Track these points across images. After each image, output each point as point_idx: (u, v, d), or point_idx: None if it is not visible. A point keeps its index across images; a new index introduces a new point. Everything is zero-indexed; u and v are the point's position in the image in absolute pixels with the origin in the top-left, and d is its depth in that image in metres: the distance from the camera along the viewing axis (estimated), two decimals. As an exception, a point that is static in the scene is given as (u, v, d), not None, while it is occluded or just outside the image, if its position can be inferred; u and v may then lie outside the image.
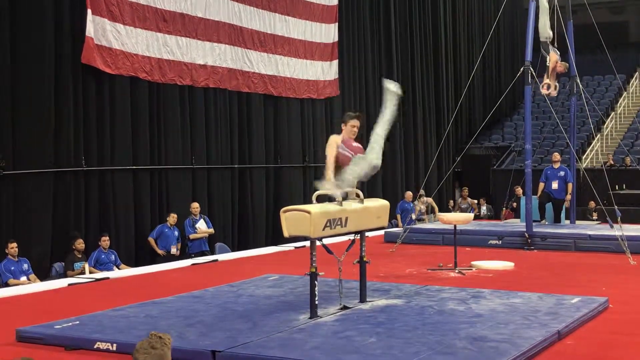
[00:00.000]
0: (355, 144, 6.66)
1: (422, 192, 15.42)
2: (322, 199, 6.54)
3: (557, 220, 13.47)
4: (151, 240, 11.83)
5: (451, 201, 19.68)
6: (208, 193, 13.36)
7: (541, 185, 13.24)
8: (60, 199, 10.81)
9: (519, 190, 16.17)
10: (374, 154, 6.54)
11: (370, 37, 18.11)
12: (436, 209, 16.82)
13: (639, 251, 10.47)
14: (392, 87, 6.98)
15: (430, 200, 16.63)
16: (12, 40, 10.26)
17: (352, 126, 6.75)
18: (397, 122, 18.76)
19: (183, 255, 11.89)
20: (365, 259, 6.86)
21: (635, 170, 19.34)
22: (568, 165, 13.60)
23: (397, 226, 15.27)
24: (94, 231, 11.06)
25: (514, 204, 16.65)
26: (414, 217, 15.31)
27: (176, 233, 11.98)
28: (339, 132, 6.82)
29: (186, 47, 12.81)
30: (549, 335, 5.66)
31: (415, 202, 16.04)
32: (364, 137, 6.95)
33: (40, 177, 10.56)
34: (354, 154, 6.54)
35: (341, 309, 6.53)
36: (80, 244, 10.40)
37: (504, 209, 16.80)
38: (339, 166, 6.56)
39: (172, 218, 11.92)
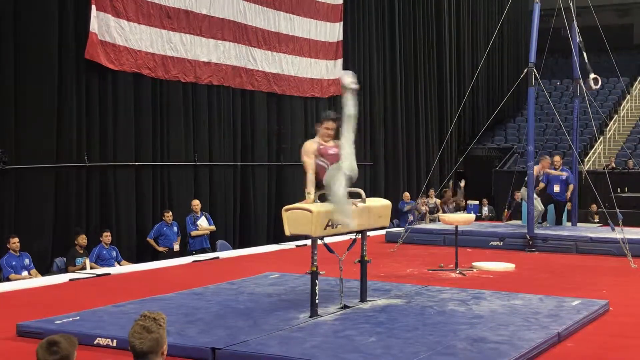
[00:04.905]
0: (332, 151, 6.38)
1: (430, 192, 15.50)
2: (324, 198, 6.53)
3: (558, 222, 13.47)
4: (150, 240, 11.83)
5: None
6: (210, 190, 13.36)
7: (541, 185, 13.21)
8: (62, 194, 10.82)
9: (518, 195, 16.18)
10: (347, 162, 6.17)
11: (375, 36, 18.10)
12: (439, 212, 16.84)
13: (640, 254, 10.47)
14: (347, 81, 6.42)
15: (438, 201, 16.71)
16: (16, 35, 10.26)
17: (325, 128, 6.46)
18: (399, 123, 18.79)
19: (184, 252, 11.89)
20: (366, 259, 6.86)
21: (638, 173, 19.33)
22: (570, 167, 13.58)
23: (398, 226, 15.30)
24: (96, 227, 11.07)
25: (506, 211, 16.55)
26: (411, 217, 15.43)
27: (175, 229, 11.98)
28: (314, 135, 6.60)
29: (190, 44, 12.81)
30: (549, 337, 5.67)
31: (418, 201, 16.11)
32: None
33: (43, 172, 10.57)
34: (329, 164, 6.26)
35: (341, 308, 6.53)
36: (83, 239, 10.42)
37: (506, 210, 16.79)
38: (316, 178, 6.32)
39: (168, 217, 11.89)
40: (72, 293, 8.04)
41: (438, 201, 16.80)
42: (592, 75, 12.72)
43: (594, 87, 12.82)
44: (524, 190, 12.42)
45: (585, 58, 12.89)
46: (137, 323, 3.14)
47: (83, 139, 11.12)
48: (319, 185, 6.31)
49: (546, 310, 6.55)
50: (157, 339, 3.11)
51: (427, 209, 16.47)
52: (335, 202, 6.03)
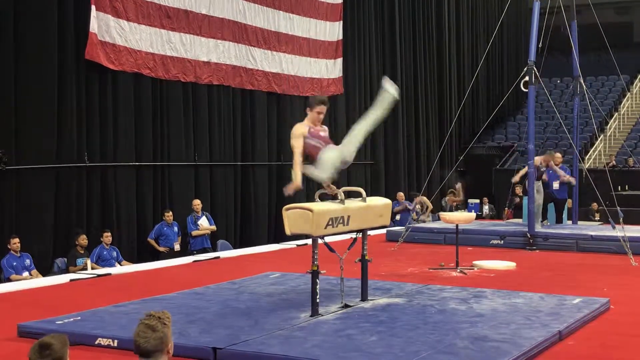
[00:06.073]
0: (323, 133, 6.38)
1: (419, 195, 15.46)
2: (325, 197, 6.53)
3: (559, 220, 13.45)
4: (151, 241, 11.82)
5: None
6: (211, 190, 13.36)
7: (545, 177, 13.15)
8: (62, 195, 10.82)
9: (519, 189, 16.18)
10: (349, 150, 6.25)
11: (374, 35, 18.09)
12: (430, 207, 16.79)
13: (641, 252, 10.46)
14: (390, 89, 6.40)
15: (424, 199, 16.63)
16: (16, 35, 10.26)
17: (317, 112, 6.39)
18: (400, 122, 18.79)
19: (185, 252, 11.89)
20: (366, 258, 6.86)
21: (638, 171, 19.33)
22: (570, 165, 13.56)
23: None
24: (96, 227, 11.06)
25: (507, 209, 16.50)
26: (398, 217, 15.43)
27: (176, 229, 11.98)
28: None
29: (190, 44, 12.81)
30: (550, 335, 5.66)
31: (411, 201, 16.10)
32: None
33: (43, 172, 10.57)
34: (324, 144, 6.26)
35: (342, 307, 6.53)
36: (83, 239, 10.42)
37: (506, 208, 16.79)
38: (308, 158, 6.29)
39: (168, 217, 11.88)
40: (73, 293, 8.04)
41: (424, 199, 16.71)
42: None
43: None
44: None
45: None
46: (142, 322, 3.14)
47: (83, 139, 11.12)
48: (312, 163, 6.31)
49: (547, 309, 6.55)
50: (162, 338, 3.12)
51: (422, 207, 16.42)
52: (321, 163, 6.17)
